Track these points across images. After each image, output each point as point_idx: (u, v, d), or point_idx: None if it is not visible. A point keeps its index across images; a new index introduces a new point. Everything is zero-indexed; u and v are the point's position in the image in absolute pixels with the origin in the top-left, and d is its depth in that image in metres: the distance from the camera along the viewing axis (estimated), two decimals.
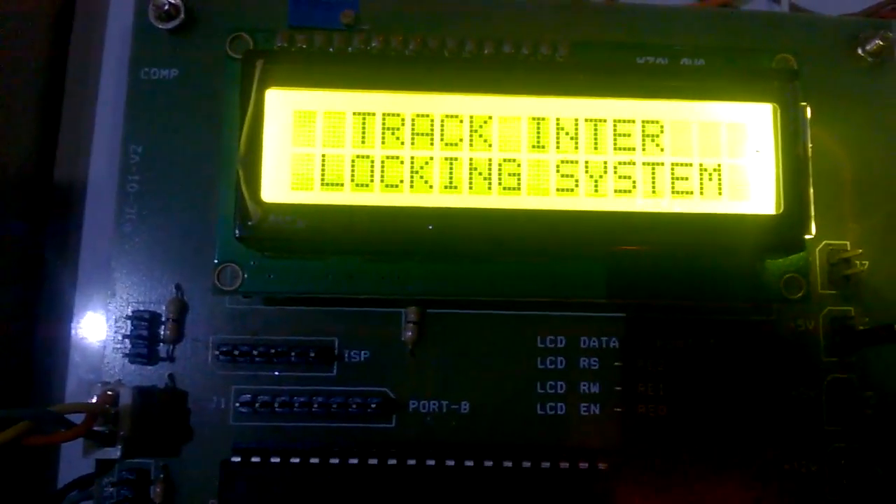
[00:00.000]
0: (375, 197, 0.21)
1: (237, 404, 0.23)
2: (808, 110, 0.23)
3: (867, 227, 0.25)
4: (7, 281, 0.27)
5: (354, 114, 0.21)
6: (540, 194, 0.21)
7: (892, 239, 0.25)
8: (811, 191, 0.23)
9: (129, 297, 0.23)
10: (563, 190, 0.21)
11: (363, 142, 0.21)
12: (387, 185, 0.21)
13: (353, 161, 0.21)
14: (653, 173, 0.22)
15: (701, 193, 0.22)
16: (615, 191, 0.22)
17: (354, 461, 0.22)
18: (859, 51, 0.26)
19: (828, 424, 0.24)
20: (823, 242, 0.25)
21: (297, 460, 0.22)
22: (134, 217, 0.24)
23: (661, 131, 0.22)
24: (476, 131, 0.21)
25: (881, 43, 0.26)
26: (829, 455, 0.24)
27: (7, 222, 0.26)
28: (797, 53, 0.25)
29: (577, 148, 0.21)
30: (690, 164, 0.22)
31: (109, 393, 0.21)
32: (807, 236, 0.22)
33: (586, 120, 0.22)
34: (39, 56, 0.28)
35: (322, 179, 0.21)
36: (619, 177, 0.22)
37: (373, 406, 0.23)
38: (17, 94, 0.27)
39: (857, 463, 0.24)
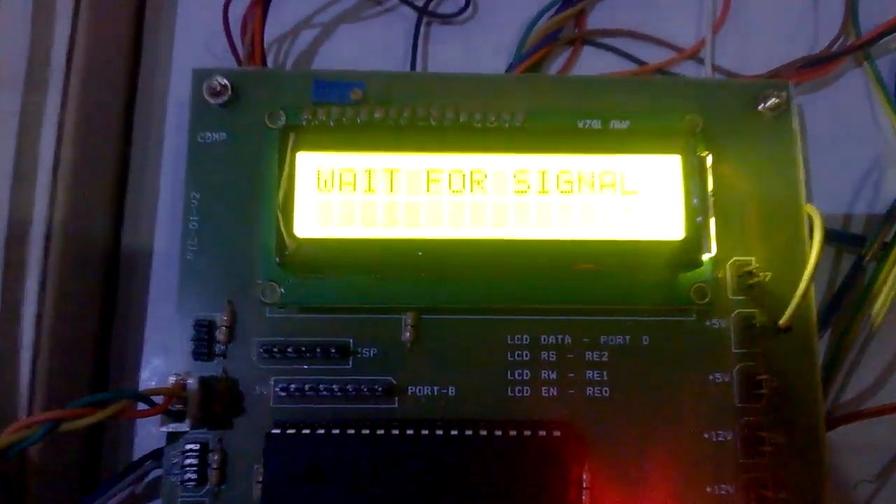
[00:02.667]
0: (378, 231, 0.28)
1: (276, 390, 0.29)
2: (710, 159, 0.29)
3: (770, 247, 0.31)
4: (90, 296, 0.33)
5: (362, 170, 0.28)
6: (502, 226, 0.28)
7: (789, 255, 0.31)
8: (712, 220, 0.29)
9: (192, 309, 0.30)
10: (519, 223, 0.28)
11: (368, 190, 0.28)
12: (386, 222, 0.28)
13: (361, 205, 0.28)
14: (590, 210, 0.29)
15: (626, 224, 0.29)
16: (559, 223, 0.28)
17: (366, 432, 0.28)
18: (760, 107, 0.32)
19: (738, 402, 0.30)
20: (733, 258, 0.31)
21: (322, 431, 0.28)
22: (195, 248, 0.30)
23: (594, 178, 0.29)
24: (452, 181, 0.28)
25: (777, 100, 0.32)
26: (739, 427, 0.30)
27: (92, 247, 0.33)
28: (708, 112, 0.31)
29: (528, 191, 0.28)
30: (617, 202, 0.29)
31: (181, 381, 0.28)
32: (706, 255, 0.29)
33: (537, 171, 0.28)
34: (113, 126, 0.35)
35: (338, 219, 0.28)
36: (562, 213, 0.28)
37: (380, 391, 0.29)
38: (98, 155, 0.33)
39: (759, 431, 0.30)
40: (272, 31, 0.35)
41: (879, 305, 0.33)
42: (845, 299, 0.34)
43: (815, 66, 0.36)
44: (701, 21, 0.37)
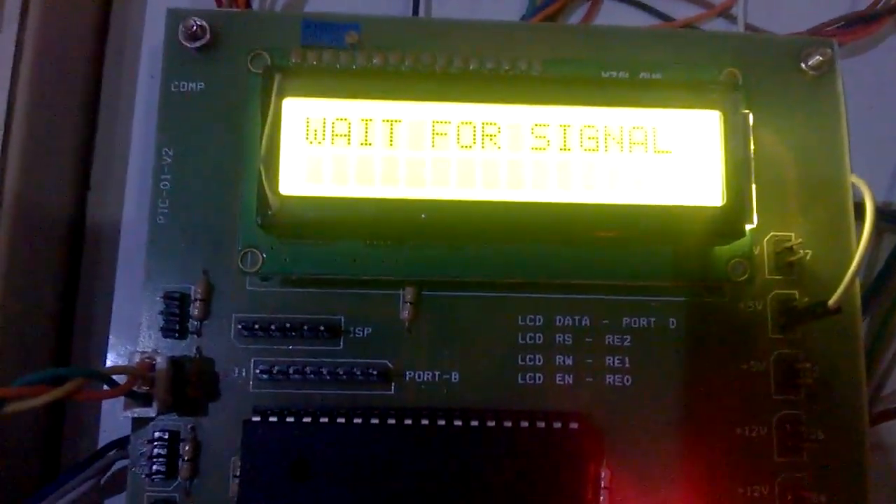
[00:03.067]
0: (375, 189, 0.24)
1: (256, 372, 0.26)
2: (751, 117, 0.26)
3: (810, 221, 0.29)
4: (52, 266, 0.30)
5: (358, 119, 0.25)
6: (517, 187, 0.25)
7: (832, 231, 0.28)
8: (753, 186, 0.26)
9: (162, 280, 0.26)
10: (537, 184, 0.25)
11: (365, 143, 0.24)
12: (385, 180, 0.24)
13: (356, 159, 0.25)
14: (618, 171, 0.26)
15: (658, 187, 0.26)
16: (582, 185, 0.25)
17: (358, 421, 0.25)
18: (803, 65, 0.29)
19: (775, 394, 0.27)
20: (770, 233, 0.28)
21: (308, 420, 0.25)
22: (166, 211, 0.27)
23: (622, 134, 0.25)
24: (461, 134, 0.25)
25: (821, 58, 0.29)
26: (776, 421, 0.27)
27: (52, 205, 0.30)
28: (746, 68, 0.28)
29: (547, 148, 0.25)
30: (648, 164, 0.26)
31: (147, 360, 0.25)
32: (748, 226, 0.25)
33: (558, 125, 0.25)
34: (79, 73, 0.31)
35: (330, 175, 0.24)
36: (586, 173, 0.25)
37: (374, 375, 0.26)
38: (60, 106, 0.30)
39: (798, 426, 0.27)
40: None
41: None
42: (888, 282, 0.31)
43: (857, 26, 0.33)
44: None
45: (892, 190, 0.33)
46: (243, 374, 0.26)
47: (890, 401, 0.31)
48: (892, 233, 0.32)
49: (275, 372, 0.26)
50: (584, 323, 0.27)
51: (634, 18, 0.34)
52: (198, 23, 0.27)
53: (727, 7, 0.34)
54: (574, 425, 0.25)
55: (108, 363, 0.29)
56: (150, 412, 0.25)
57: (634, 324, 0.27)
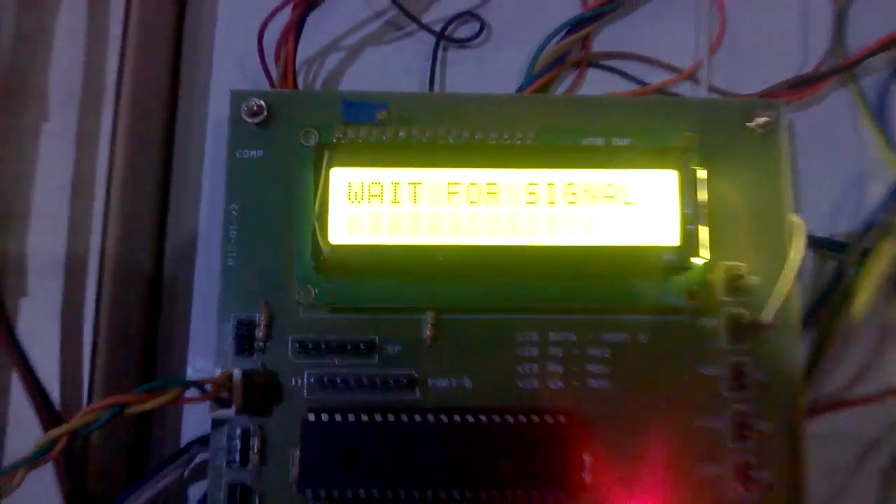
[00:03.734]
0: (402, 238, 0.31)
1: (310, 381, 0.32)
2: (703, 173, 0.32)
3: (759, 253, 0.34)
4: (140, 306, 0.37)
5: (388, 182, 0.31)
6: (515, 234, 0.31)
7: (775, 260, 0.34)
8: (705, 228, 0.32)
9: (233, 310, 0.33)
10: (530, 231, 0.31)
11: (394, 201, 0.31)
12: (410, 230, 0.31)
13: (387, 213, 0.31)
14: (593, 219, 0.32)
15: (625, 232, 0.32)
16: (565, 231, 0.31)
17: (392, 418, 0.31)
18: (752, 125, 0.35)
19: (727, 393, 0.33)
20: (724, 263, 0.34)
21: (352, 418, 0.31)
22: (235, 255, 0.33)
23: (597, 190, 0.32)
24: (469, 193, 0.31)
25: (768, 119, 0.35)
26: (729, 415, 0.33)
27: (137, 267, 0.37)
28: (704, 129, 0.34)
29: (537, 203, 0.31)
30: (618, 213, 0.32)
31: (226, 373, 0.31)
32: (699, 259, 0.32)
33: (546, 184, 0.32)
34: (157, 145, 0.38)
35: (367, 228, 0.31)
36: (568, 222, 0.31)
37: (403, 382, 0.32)
38: (145, 176, 0.36)
39: (746, 419, 0.33)
40: (301, 53, 0.38)
41: (858, 307, 0.36)
42: (828, 301, 0.37)
43: (804, 86, 0.39)
44: (698, 44, 0.40)
45: (835, 223, 0.39)
46: (299, 383, 0.32)
47: (828, 398, 0.37)
48: (832, 259, 0.38)
49: (324, 381, 0.32)
50: (570, 338, 0.33)
51: (614, 83, 0.39)
52: (257, 102, 0.34)
53: (693, 72, 0.40)
54: (563, 419, 0.32)
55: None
56: (230, 414, 0.31)
57: (612, 338, 0.33)
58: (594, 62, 0.40)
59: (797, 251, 0.32)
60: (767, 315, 0.32)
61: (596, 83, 0.40)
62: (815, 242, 0.37)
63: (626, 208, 0.32)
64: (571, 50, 0.39)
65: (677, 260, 0.32)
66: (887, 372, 0.37)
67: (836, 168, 0.39)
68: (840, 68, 0.39)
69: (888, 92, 0.40)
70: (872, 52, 0.39)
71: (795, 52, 0.41)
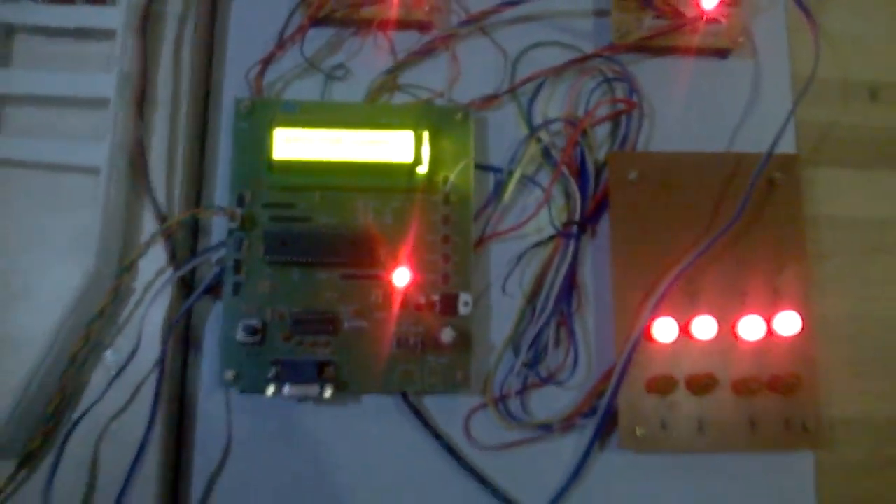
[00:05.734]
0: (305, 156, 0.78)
1: (268, 220, 0.79)
2: (426, 134, 0.79)
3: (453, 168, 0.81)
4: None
5: (295, 138, 0.78)
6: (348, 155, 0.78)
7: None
8: (426, 159, 0.79)
9: (236, 187, 0.79)
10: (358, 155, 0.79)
11: (293, 139, 0.78)
12: (308, 155, 0.78)
13: (297, 149, 0.78)
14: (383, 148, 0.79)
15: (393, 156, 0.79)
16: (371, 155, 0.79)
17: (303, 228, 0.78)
18: (456, 118, 0.82)
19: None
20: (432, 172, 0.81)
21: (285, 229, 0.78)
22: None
23: (386, 138, 0.79)
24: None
25: (463, 115, 0.81)
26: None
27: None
28: (434, 119, 0.81)
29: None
30: (390, 150, 0.79)
31: (231, 209, 0.77)
32: (421, 168, 0.78)
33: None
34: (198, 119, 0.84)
35: (288, 153, 0.78)
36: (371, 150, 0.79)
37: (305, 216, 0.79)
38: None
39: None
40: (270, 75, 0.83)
41: None
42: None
43: (491, 99, 0.84)
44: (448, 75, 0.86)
45: None
46: (265, 219, 0.78)
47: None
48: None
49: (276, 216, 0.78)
50: (372, 204, 0.79)
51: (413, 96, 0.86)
52: (245, 104, 0.79)
53: (442, 93, 0.86)
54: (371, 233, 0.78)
55: None
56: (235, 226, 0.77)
57: (388, 204, 0.80)
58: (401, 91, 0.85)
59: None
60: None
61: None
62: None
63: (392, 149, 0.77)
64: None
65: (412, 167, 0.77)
66: None
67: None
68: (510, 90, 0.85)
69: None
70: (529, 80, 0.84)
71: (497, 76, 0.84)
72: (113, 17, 0.69)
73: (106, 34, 0.69)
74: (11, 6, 0.69)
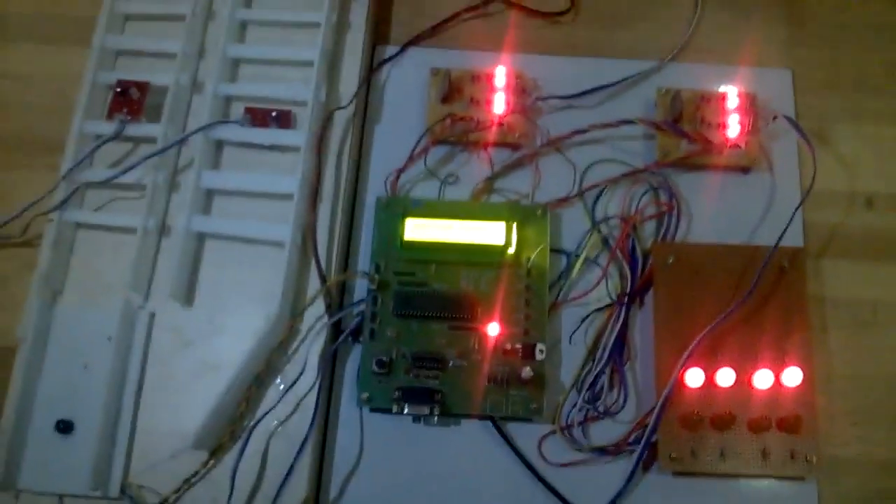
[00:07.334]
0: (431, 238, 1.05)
1: (399, 290, 1.05)
2: (514, 225, 1.05)
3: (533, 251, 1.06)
4: None
5: (421, 226, 1.05)
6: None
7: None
8: (513, 243, 1.05)
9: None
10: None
11: (420, 226, 1.05)
12: (434, 237, 1.05)
13: (422, 236, 1.06)
14: (486, 235, 1.05)
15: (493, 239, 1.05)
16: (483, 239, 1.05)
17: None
18: (536, 212, 1.08)
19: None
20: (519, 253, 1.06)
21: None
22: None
23: (486, 227, 1.05)
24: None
25: (541, 210, 1.07)
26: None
27: None
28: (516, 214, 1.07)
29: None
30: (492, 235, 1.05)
31: (373, 274, 1.03)
32: (510, 249, 1.04)
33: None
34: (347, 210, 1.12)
35: (415, 236, 1.05)
36: (483, 236, 1.05)
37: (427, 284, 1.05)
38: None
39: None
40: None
41: None
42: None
43: (564, 200, 1.08)
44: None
45: None
46: (395, 292, 1.04)
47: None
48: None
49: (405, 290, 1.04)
50: (477, 275, 1.05)
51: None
52: (382, 200, 1.07)
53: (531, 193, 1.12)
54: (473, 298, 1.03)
55: None
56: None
57: (486, 275, 1.05)
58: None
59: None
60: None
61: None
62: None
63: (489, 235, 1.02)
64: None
65: (504, 248, 0.99)
66: None
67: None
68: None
69: None
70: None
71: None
72: (297, 137, 0.88)
73: (291, 149, 0.89)
74: (223, 127, 0.90)
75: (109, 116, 0.89)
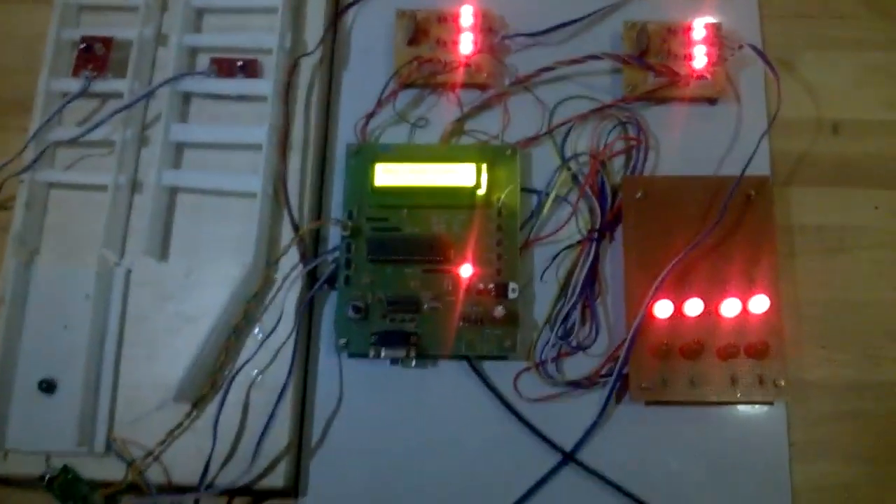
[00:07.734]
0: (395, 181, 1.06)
1: (371, 230, 1.06)
2: (484, 166, 1.06)
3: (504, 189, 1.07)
4: None
5: (385, 170, 1.06)
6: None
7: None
8: (484, 182, 1.06)
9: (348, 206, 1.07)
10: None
11: (389, 170, 1.06)
12: (403, 181, 1.06)
13: (391, 180, 1.06)
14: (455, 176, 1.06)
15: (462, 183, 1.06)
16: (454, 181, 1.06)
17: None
18: (507, 153, 1.08)
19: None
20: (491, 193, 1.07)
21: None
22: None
23: (456, 168, 1.06)
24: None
25: (510, 152, 1.08)
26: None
27: None
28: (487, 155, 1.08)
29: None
30: (461, 177, 1.07)
31: (345, 221, 1.05)
32: (480, 191, 1.05)
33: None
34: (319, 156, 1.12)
35: (384, 181, 1.06)
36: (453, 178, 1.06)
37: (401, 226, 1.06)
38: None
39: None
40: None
41: None
42: None
43: (533, 139, 1.10)
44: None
45: None
46: (367, 232, 1.05)
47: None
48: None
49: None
50: (446, 217, 1.06)
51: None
52: (353, 147, 1.08)
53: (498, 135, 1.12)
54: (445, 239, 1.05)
55: None
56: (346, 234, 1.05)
57: (454, 216, 1.06)
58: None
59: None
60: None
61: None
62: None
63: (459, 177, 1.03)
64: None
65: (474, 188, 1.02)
66: None
67: None
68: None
69: None
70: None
71: None
72: (265, 86, 0.89)
73: (259, 98, 0.90)
74: (189, 79, 0.91)
75: (75, 73, 0.88)
